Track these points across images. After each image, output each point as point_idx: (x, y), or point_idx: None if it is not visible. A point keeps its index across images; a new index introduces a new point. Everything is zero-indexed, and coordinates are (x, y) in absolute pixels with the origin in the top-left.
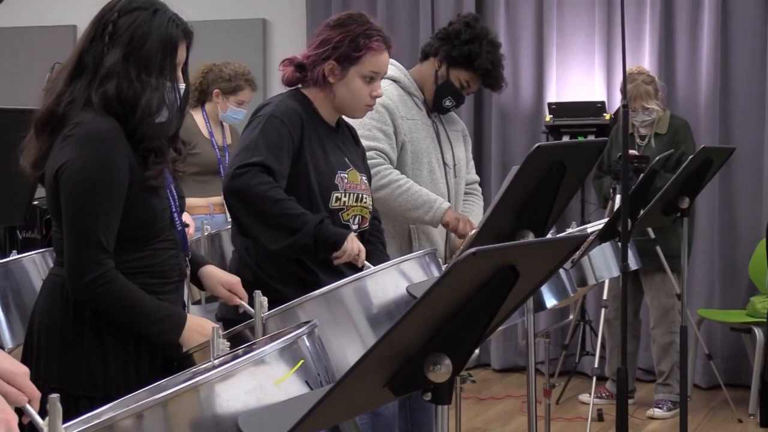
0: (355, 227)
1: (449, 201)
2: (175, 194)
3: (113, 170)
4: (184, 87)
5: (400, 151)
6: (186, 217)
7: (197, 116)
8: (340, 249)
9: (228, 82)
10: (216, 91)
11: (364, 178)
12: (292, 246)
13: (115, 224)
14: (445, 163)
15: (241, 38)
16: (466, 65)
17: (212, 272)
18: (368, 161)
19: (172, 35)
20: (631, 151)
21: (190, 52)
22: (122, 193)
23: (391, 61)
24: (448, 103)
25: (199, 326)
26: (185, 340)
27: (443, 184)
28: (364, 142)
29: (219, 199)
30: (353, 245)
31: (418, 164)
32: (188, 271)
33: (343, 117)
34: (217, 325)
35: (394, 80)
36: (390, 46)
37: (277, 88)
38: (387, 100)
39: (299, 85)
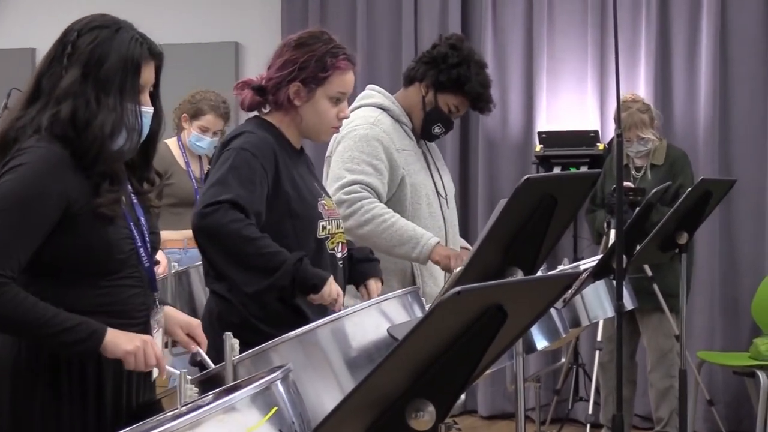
0: (339, 255)
1: (446, 234)
2: (145, 228)
3: (36, 192)
4: (150, 111)
5: (399, 186)
6: (158, 256)
7: (173, 145)
8: (318, 293)
9: (191, 105)
10: (183, 115)
11: (333, 201)
12: (268, 288)
13: (25, 246)
14: (438, 194)
15: (212, 62)
16: (456, 90)
17: (169, 313)
18: (349, 195)
19: (135, 54)
20: (626, 184)
21: (162, 75)
22: (43, 219)
23: (376, 88)
24: (437, 129)
25: (126, 337)
26: (109, 348)
27: (440, 216)
28: (348, 176)
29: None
30: (332, 289)
31: (417, 198)
32: (160, 312)
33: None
34: (185, 370)
35: (384, 108)
36: (355, 64)
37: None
38: (381, 133)
39: (261, 111)
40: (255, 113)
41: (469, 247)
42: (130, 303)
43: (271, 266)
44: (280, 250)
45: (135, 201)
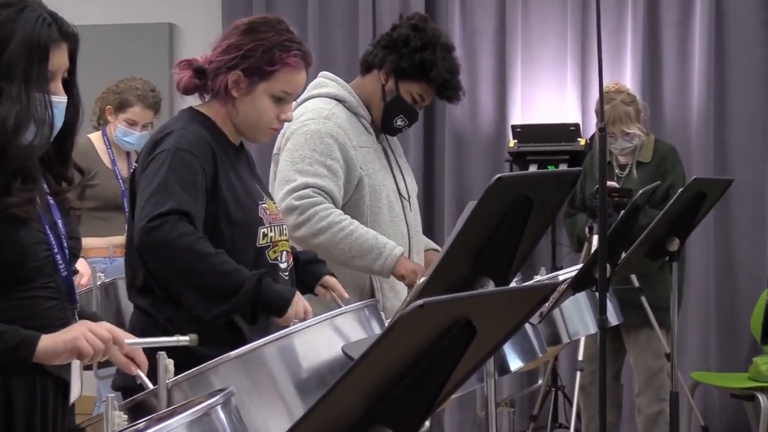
0: (283, 265)
1: (409, 241)
2: (63, 233)
3: None
4: (63, 101)
5: (357, 187)
6: (81, 265)
7: (97, 141)
8: (284, 317)
9: (116, 95)
10: (108, 107)
11: (275, 204)
12: (226, 313)
13: None
14: (401, 195)
15: (144, 45)
16: (419, 77)
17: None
18: (301, 200)
19: (41, 37)
20: (610, 183)
21: (88, 60)
22: None
23: (330, 75)
24: (399, 122)
25: (62, 332)
26: (49, 352)
27: (402, 221)
28: (299, 178)
29: (121, 239)
30: (297, 309)
31: (377, 200)
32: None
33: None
34: (112, 395)
35: (339, 99)
36: (309, 64)
37: (186, 104)
38: (336, 128)
39: (201, 98)
40: (188, 106)
41: (436, 248)
42: (45, 317)
43: (227, 287)
44: (237, 267)
45: (51, 202)
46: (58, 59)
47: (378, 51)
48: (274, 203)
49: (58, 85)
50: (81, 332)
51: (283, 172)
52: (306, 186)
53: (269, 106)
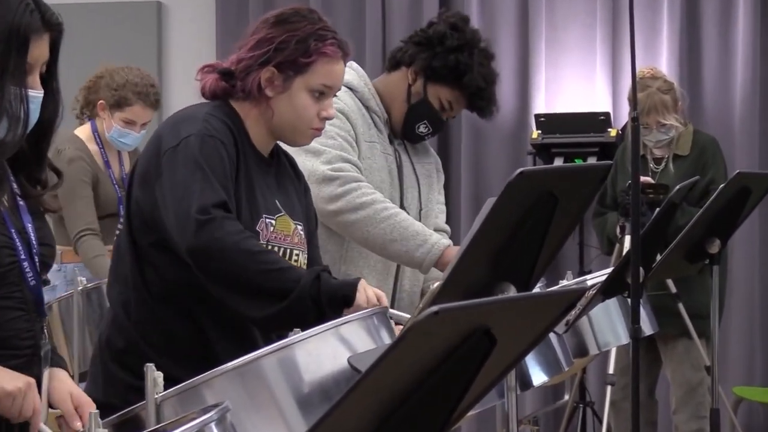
0: None
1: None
2: (33, 239)
3: None
4: (40, 96)
5: None
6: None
7: (87, 137)
8: (353, 305)
9: (113, 91)
10: (101, 102)
11: (300, 227)
12: (281, 314)
13: None
14: (403, 207)
15: (130, 24)
16: (451, 81)
17: (62, 377)
18: (339, 172)
19: (22, 25)
20: (644, 178)
21: (72, 39)
22: None
23: (354, 65)
24: (422, 128)
25: (8, 374)
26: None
27: None
28: (330, 150)
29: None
30: (368, 294)
31: None
32: (46, 346)
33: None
34: (96, 411)
35: (351, 89)
36: (347, 54)
37: (175, 86)
38: (343, 105)
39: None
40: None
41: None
42: (11, 329)
43: (279, 287)
44: (290, 266)
45: (21, 204)
46: (39, 51)
47: (409, 47)
48: (295, 223)
49: (35, 79)
50: (17, 391)
51: (309, 145)
52: (338, 157)
53: (308, 103)
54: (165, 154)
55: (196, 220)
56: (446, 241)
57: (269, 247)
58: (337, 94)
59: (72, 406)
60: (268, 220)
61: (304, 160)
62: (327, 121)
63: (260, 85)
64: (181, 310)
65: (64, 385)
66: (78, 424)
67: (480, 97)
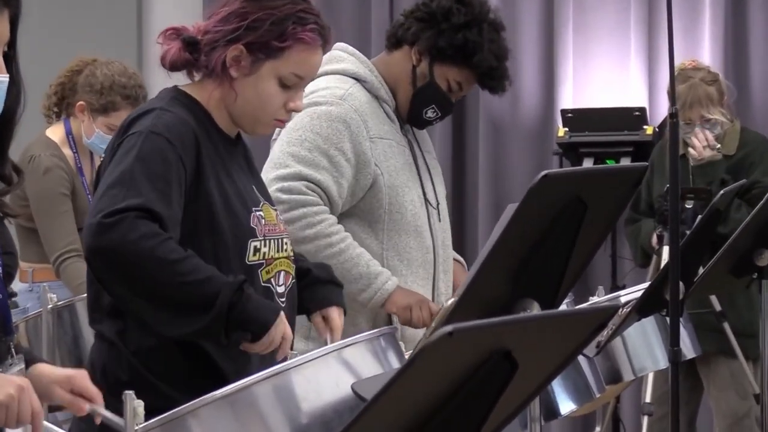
0: (280, 289)
1: (434, 258)
2: None
3: None
4: (5, 80)
5: (371, 189)
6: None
7: (60, 139)
8: (257, 342)
9: (98, 95)
10: (80, 103)
11: (277, 213)
12: (195, 333)
13: None
14: (427, 201)
15: (107, 9)
16: (460, 60)
17: (41, 371)
18: (289, 195)
19: None
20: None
21: (44, 27)
22: None
23: (348, 48)
24: (431, 113)
25: None
26: None
27: (428, 233)
28: (293, 165)
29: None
30: (275, 334)
31: (398, 205)
32: (17, 364)
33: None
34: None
35: (358, 79)
36: (327, 42)
37: (157, 78)
38: (351, 112)
39: (190, 76)
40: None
41: (459, 259)
42: None
43: (197, 302)
44: (209, 276)
45: None
46: (1, 29)
47: (411, 24)
48: (274, 210)
49: None
50: (9, 398)
51: (275, 152)
52: (299, 177)
53: (275, 91)
54: (110, 153)
55: (99, 223)
56: (391, 284)
57: (265, 242)
58: (344, 88)
59: (66, 393)
60: (256, 212)
61: (265, 170)
62: (311, 128)
63: (225, 63)
64: None
65: (47, 378)
66: (85, 405)
67: (491, 76)
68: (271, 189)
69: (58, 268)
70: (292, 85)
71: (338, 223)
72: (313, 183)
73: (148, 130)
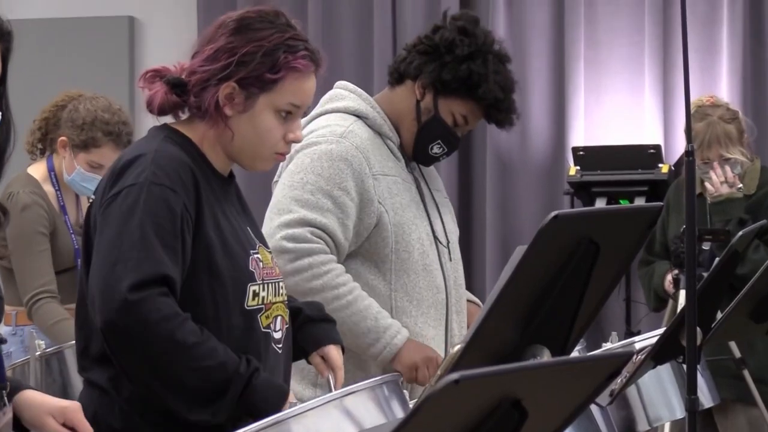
0: (278, 335)
1: (447, 297)
2: None
3: None
4: None
5: (376, 228)
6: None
7: (42, 177)
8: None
9: (78, 130)
10: (62, 139)
11: (272, 256)
12: (208, 420)
13: None
14: (437, 239)
15: (100, 42)
16: (465, 93)
17: (34, 399)
18: (295, 244)
19: None
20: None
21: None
22: None
23: (349, 86)
24: (436, 149)
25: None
26: None
27: (438, 271)
28: (297, 211)
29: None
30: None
31: (404, 244)
32: (8, 412)
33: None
34: None
35: (360, 116)
36: (319, 66)
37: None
38: (353, 150)
39: (176, 116)
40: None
41: (475, 300)
42: None
43: (207, 388)
44: (221, 361)
45: None
46: None
47: (414, 57)
48: (269, 252)
49: None
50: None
51: (277, 197)
52: (303, 222)
53: (273, 125)
54: (104, 203)
55: (125, 299)
56: (400, 339)
57: (264, 286)
58: (345, 126)
59: (57, 424)
60: (255, 255)
61: (267, 217)
62: (313, 170)
63: (218, 103)
64: None
65: (40, 407)
66: None
67: (498, 108)
68: (276, 237)
69: (30, 309)
70: (289, 113)
71: (344, 264)
72: (318, 228)
73: (150, 181)
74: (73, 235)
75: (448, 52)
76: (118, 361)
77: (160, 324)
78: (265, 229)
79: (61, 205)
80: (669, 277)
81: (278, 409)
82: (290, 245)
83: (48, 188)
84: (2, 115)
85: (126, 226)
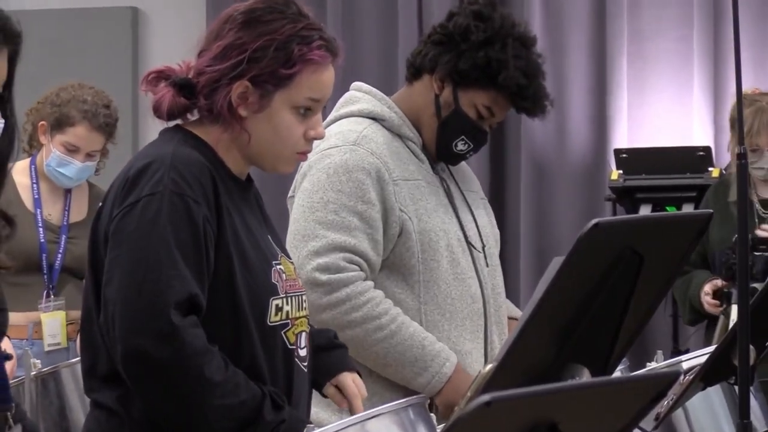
0: (303, 352)
1: (484, 307)
2: None
3: None
4: (0, 124)
5: (400, 237)
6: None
7: (20, 172)
8: None
9: (54, 108)
10: (41, 123)
11: (295, 267)
12: None
13: None
14: (470, 245)
15: (102, 33)
16: (485, 82)
17: None
18: (328, 275)
19: None
20: (762, 231)
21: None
22: None
23: (364, 86)
24: (461, 145)
25: None
26: None
27: (473, 278)
28: (324, 235)
29: (36, 315)
30: None
31: (432, 252)
32: None
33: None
34: None
35: (376, 118)
36: (337, 55)
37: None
38: (368, 156)
39: (185, 119)
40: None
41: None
42: None
43: (230, 425)
44: (243, 399)
45: None
46: None
47: (429, 49)
48: (292, 263)
49: None
50: None
51: (299, 222)
52: (334, 248)
53: (292, 122)
54: (120, 214)
55: (169, 325)
56: (449, 367)
57: (287, 300)
58: (359, 130)
59: None
60: (277, 266)
61: (292, 246)
62: (331, 187)
63: (231, 104)
64: None
65: None
66: None
67: (523, 96)
68: (307, 269)
69: None
70: (309, 110)
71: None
72: (350, 252)
73: (170, 191)
74: (41, 230)
75: (463, 39)
76: (138, 390)
77: (192, 359)
78: (294, 257)
79: (36, 197)
80: (706, 288)
81: None
82: (324, 277)
83: (21, 179)
84: (6, 121)
85: (148, 241)
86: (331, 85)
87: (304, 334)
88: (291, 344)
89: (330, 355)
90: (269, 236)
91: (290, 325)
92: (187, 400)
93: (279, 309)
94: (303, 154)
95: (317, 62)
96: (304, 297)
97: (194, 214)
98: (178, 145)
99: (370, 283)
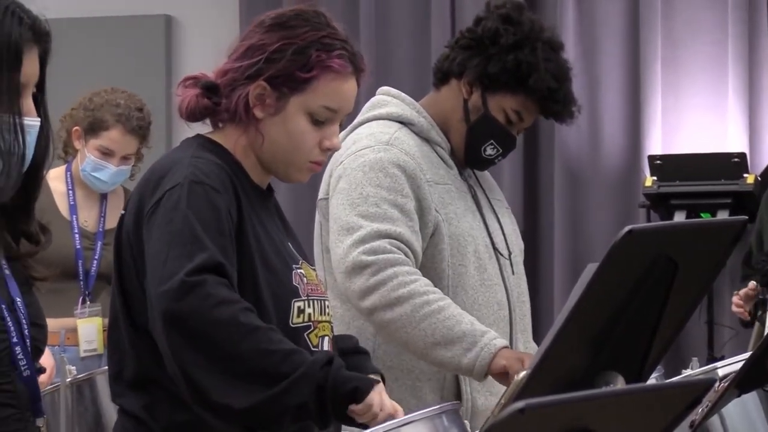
0: None
1: (510, 314)
2: (24, 316)
3: None
4: (36, 124)
5: (432, 238)
6: (47, 359)
7: (55, 179)
8: (361, 404)
9: (88, 113)
10: (75, 129)
11: (316, 273)
12: (270, 402)
13: None
14: (497, 251)
15: (134, 42)
16: (514, 86)
17: None
18: (374, 256)
19: (13, 36)
20: None
21: (70, 60)
22: None
23: (392, 91)
24: (490, 150)
25: None
26: None
27: (499, 285)
28: (367, 225)
29: (73, 321)
30: (383, 400)
31: (460, 257)
32: None
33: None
34: None
35: (405, 122)
36: (361, 70)
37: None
38: (402, 155)
39: (215, 126)
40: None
41: None
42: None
43: (280, 371)
44: (297, 349)
45: (8, 272)
46: (31, 67)
47: (457, 54)
48: (314, 270)
49: (29, 103)
50: None
51: (340, 218)
52: (379, 235)
53: (306, 129)
54: (147, 215)
55: (182, 281)
56: (500, 341)
57: (309, 302)
58: (390, 133)
59: None
60: (298, 270)
61: (335, 241)
62: (370, 182)
63: (247, 104)
64: None
65: None
66: None
67: (553, 99)
68: (352, 255)
69: None
70: (325, 120)
71: None
72: (395, 239)
73: (189, 180)
74: (77, 236)
75: (492, 43)
76: (180, 358)
77: (219, 307)
78: (336, 255)
79: (71, 203)
80: (742, 293)
81: (370, 387)
82: (370, 258)
83: (56, 185)
84: (41, 125)
85: (171, 225)
86: (351, 99)
87: (326, 338)
88: (314, 347)
89: (353, 359)
90: (289, 243)
91: (312, 328)
92: (228, 346)
93: (301, 311)
94: (315, 164)
95: (336, 70)
96: (327, 302)
97: (214, 198)
98: (198, 149)
99: (417, 270)
